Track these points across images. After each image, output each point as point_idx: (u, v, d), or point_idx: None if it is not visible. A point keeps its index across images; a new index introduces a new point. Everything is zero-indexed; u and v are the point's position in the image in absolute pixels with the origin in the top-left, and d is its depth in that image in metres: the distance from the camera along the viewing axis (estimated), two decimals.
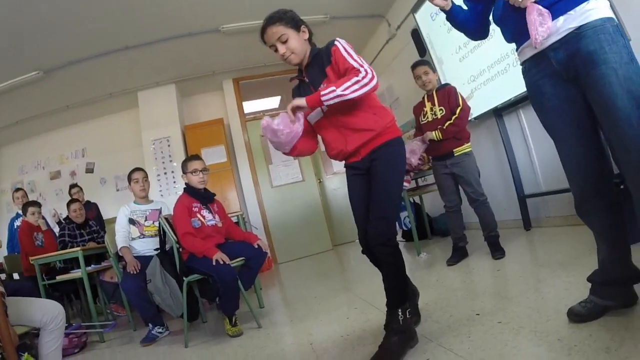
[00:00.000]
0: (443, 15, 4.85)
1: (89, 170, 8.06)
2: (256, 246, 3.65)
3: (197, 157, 3.81)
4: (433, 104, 3.96)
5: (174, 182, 7.39)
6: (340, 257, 6.90)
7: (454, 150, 3.86)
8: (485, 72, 4.64)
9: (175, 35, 6.05)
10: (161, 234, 3.84)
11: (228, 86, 8.28)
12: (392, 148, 2.24)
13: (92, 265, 4.59)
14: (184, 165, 3.73)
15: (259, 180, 7.94)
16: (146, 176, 4.38)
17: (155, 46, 6.17)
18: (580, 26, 1.71)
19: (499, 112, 4.67)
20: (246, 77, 8.28)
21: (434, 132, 3.85)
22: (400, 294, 2.21)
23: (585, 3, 1.71)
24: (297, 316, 3.54)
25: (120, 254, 4.05)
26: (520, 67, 2.02)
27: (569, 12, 1.73)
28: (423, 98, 4.11)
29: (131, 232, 4.16)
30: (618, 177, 2.94)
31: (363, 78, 2.06)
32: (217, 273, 3.21)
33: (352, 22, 6.90)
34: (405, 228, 6.21)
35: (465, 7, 2.25)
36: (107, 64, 6.25)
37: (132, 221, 4.19)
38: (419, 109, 4.15)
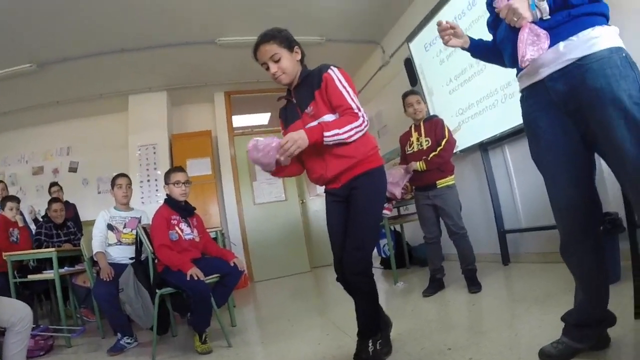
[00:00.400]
0: (436, 47, 4.88)
1: (72, 169, 7.93)
2: (232, 264, 3.59)
3: (181, 169, 3.79)
4: (420, 135, 3.97)
5: (157, 190, 7.30)
6: (317, 280, 6.86)
7: (437, 182, 3.87)
8: (474, 106, 4.69)
9: (171, 43, 6.07)
10: (138, 243, 3.78)
11: (219, 99, 8.29)
12: (372, 178, 2.24)
13: (66, 267, 4.52)
14: (167, 176, 3.69)
15: (242, 196, 7.91)
16: (130, 183, 4.36)
17: (150, 52, 6.18)
18: (584, 57, 1.57)
19: (484, 147, 4.70)
20: (238, 92, 8.31)
21: (418, 163, 3.86)
22: (372, 324, 2.22)
23: (591, 29, 1.58)
24: (268, 337, 3.52)
25: (95, 259, 3.97)
26: (519, 94, 1.93)
27: (570, 38, 1.60)
28: (410, 128, 4.12)
29: (108, 237, 4.11)
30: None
31: (361, 125, 2.13)
32: (190, 288, 3.17)
33: (347, 46, 6.96)
34: (384, 256, 6.20)
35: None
36: (101, 64, 6.23)
37: (110, 227, 4.14)
38: (405, 138, 4.17)
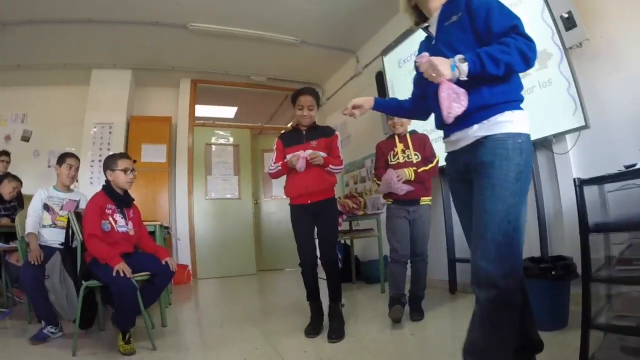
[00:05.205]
0: (410, 64, 4.90)
1: (25, 138, 7.46)
2: (164, 263, 3.38)
3: (128, 156, 3.57)
4: (406, 147, 3.76)
5: None
6: (261, 285, 6.73)
7: (422, 198, 3.70)
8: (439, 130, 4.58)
9: (141, 20, 5.83)
10: (69, 229, 3.53)
11: (185, 85, 8.04)
12: (335, 202, 3.64)
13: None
14: (112, 161, 3.44)
15: (194, 188, 7.69)
16: (79, 166, 4.13)
17: (119, 27, 5.92)
18: (486, 136, 1.79)
19: (443, 172, 4.61)
20: (205, 81, 8.09)
21: (406, 170, 3.61)
22: (339, 292, 3.42)
23: (499, 114, 1.78)
24: (197, 343, 3.40)
25: (27, 240, 3.75)
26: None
27: (483, 122, 1.80)
28: (393, 137, 3.89)
29: (43, 218, 3.87)
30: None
31: (341, 169, 3.57)
32: (114, 284, 2.96)
33: (322, 51, 6.92)
34: None
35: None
36: (67, 32, 5.94)
37: (46, 207, 3.90)
38: (388, 147, 3.90)
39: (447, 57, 1.79)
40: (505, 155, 1.74)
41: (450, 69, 1.71)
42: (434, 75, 1.74)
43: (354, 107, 2.39)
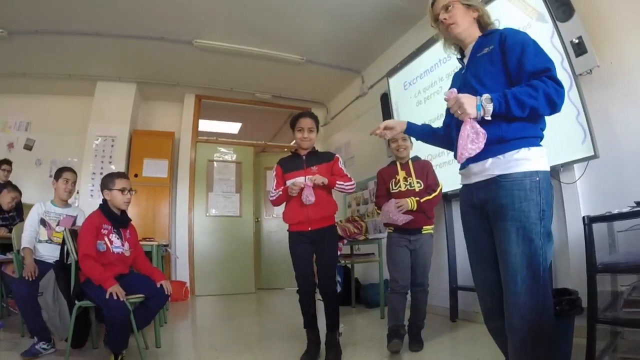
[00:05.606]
0: (416, 87, 4.89)
1: (28, 147, 7.43)
2: (159, 286, 3.30)
3: (126, 175, 3.53)
4: (408, 175, 3.67)
5: None
6: (259, 304, 6.67)
7: (424, 227, 3.61)
8: (444, 154, 4.57)
9: (148, 35, 5.84)
10: (64, 246, 3.47)
11: (189, 101, 8.04)
12: (335, 230, 3.58)
13: None
14: (110, 180, 3.40)
15: (195, 205, 7.65)
16: (76, 180, 4.10)
17: (126, 41, 5.93)
18: (502, 175, 1.82)
19: (448, 198, 4.58)
20: (210, 97, 8.09)
21: (408, 200, 3.52)
22: (337, 320, 3.31)
23: (515, 151, 1.81)
24: None
25: (22, 255, 3.70)
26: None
27: (498, 156, 1.83)
28: (395, 164, 3.80)
29: (40, 233, 3.84)
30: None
31: (353, 186, 3.46)
32: (107, 307, 2.89)
33: (327, 70, 6.92)
34: None
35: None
36: (74, 43, 5.94)
37: (43, 222, 3.86)
38: (389, 175, 3.80)
39: (472, 85, 1.92)
40: (523, 196, 1.76)
41: (475, 108, 1.75)
42: (459, 112, 1.78)
43: (386, 128, 2.32)
